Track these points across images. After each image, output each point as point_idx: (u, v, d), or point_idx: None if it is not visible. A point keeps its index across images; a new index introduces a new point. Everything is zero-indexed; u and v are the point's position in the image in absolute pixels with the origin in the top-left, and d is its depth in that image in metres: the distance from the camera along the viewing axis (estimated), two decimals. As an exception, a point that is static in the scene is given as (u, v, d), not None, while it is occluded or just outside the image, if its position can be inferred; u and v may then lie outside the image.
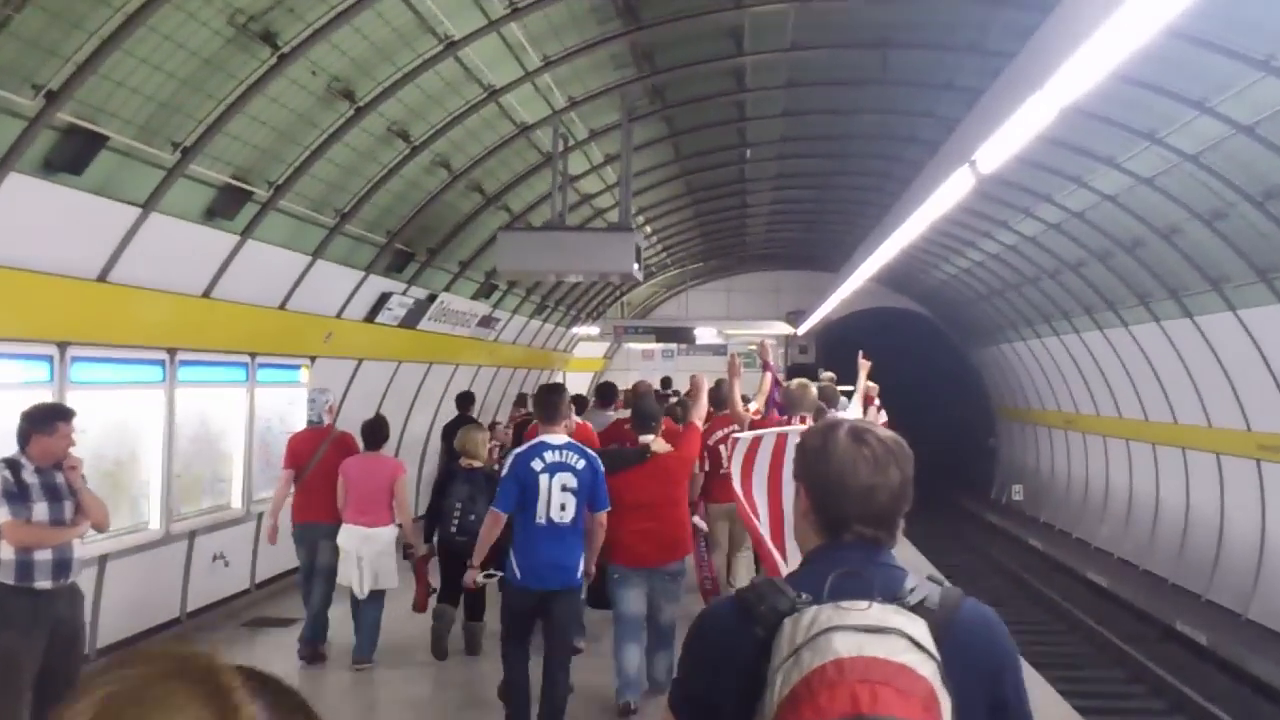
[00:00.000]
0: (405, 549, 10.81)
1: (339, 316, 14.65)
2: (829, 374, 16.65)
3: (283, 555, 14.38)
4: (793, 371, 34.70)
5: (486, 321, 20.90)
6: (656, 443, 9.23)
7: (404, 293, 16.12)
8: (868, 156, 21.59)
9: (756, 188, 24.69)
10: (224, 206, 10.73)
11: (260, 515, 13.61)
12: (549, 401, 8.50)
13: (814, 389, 9.86)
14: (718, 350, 35.56)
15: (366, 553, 10.39)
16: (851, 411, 11.05)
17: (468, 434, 11.10)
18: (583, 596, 8.88)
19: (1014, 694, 2.66)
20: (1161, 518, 23.40)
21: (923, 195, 11.50)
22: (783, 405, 10.21)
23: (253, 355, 12.89)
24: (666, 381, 25.02)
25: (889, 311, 37.62)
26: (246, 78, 9.49)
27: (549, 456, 8.00)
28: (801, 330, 34.17)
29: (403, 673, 11.00)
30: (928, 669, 2.34)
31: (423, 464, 20.47)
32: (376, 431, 10.96)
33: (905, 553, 18.10)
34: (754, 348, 36.39)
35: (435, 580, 10.96)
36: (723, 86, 16.40)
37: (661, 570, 8.94)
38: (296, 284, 13.00)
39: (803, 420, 8.97)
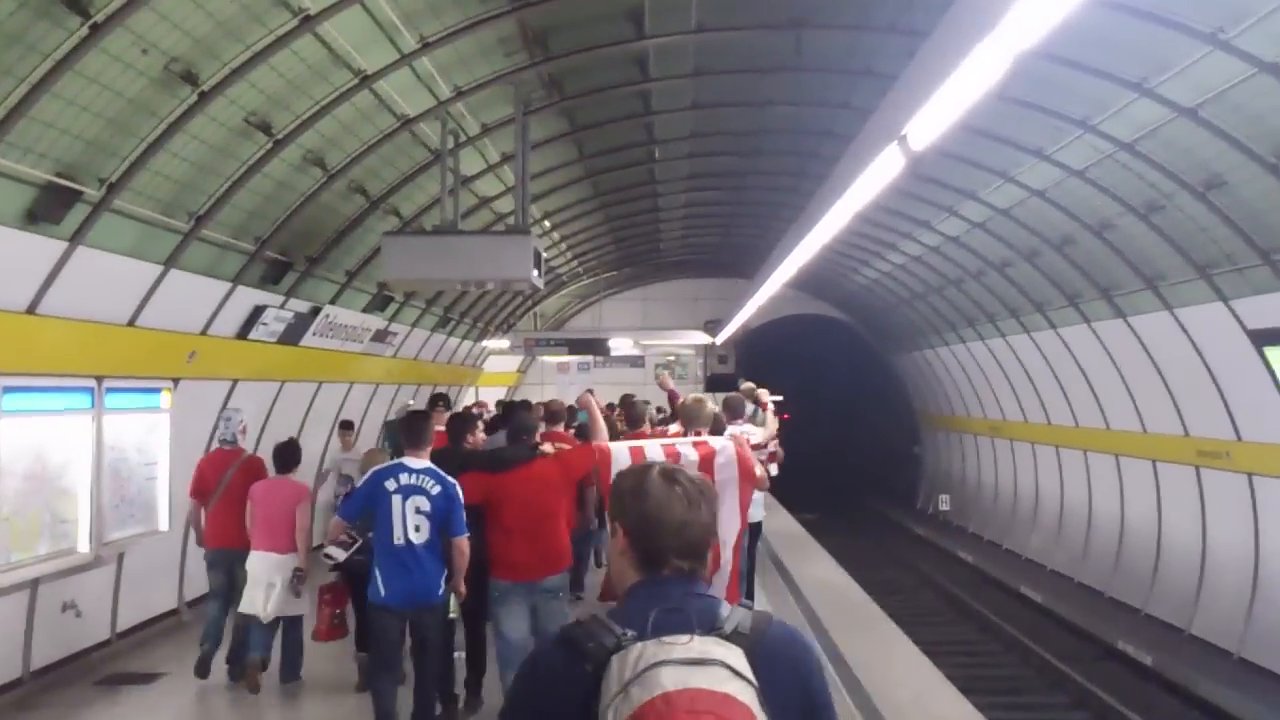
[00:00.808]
0: (295, 571, 10.28)
1: (204, 334, 13.14)
2: (748, 384, 16.19)
3: (149, 601, 13.37)
4: (711, 382, 33.99)
5: (381, 336, 19.52)
6: (544, 446, 8.91)
7: (281, 306, 14.69)
8: (782, 153, 20.45)
9: (668, 189, 23.47)
10: (47, 208, 9.23)
11: (121, 556, 12.55)
12: (414, 427, 8.64)
13: (710, 404, 9.58)
14: (635, 362, 35.03)
15: (279, 579, 10.14)
16: (758, 437, 11.28)
17: (370, 457, 10.68)
18: (451, 615, 8.80)
19: (821, 701, 2.83)
20: (1095, 528, 22.63)
21: (846, 182, 10.27)
22: (681, 421, 9.89)
23: (99, 379, 11.30)
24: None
25: (809, 318, 37.27)
26: (52, 52, 8.03)
27: (404, 479, 8.21)
28: (720, 339, 33.19)
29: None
30: (747, 695, 2.52)
31: (317, 488, 19.06)
32: (288, 455, 10.76)
33: (826, 569, 17.00)
34: (671, 358, 36.81)
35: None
36: (625, 75, 15.16)
37: (541, 585, 8.43)
38: (147, 297, 11.48)
39: (698, 433, 8.77)
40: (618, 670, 2.57)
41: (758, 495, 10.14)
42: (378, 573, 8.24)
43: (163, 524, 12.87)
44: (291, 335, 15.35)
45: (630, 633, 2.65)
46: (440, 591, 8.42)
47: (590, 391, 9.83)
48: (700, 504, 2.89)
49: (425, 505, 8.16)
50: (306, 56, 10.58)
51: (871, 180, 9.55)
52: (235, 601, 10.66)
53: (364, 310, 18.07)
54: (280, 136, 11.56)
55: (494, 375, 34.08)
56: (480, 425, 11.79)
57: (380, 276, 13.74)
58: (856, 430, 46.31)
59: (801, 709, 2.74)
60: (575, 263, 29.53)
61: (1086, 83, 12.92)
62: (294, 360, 15.95)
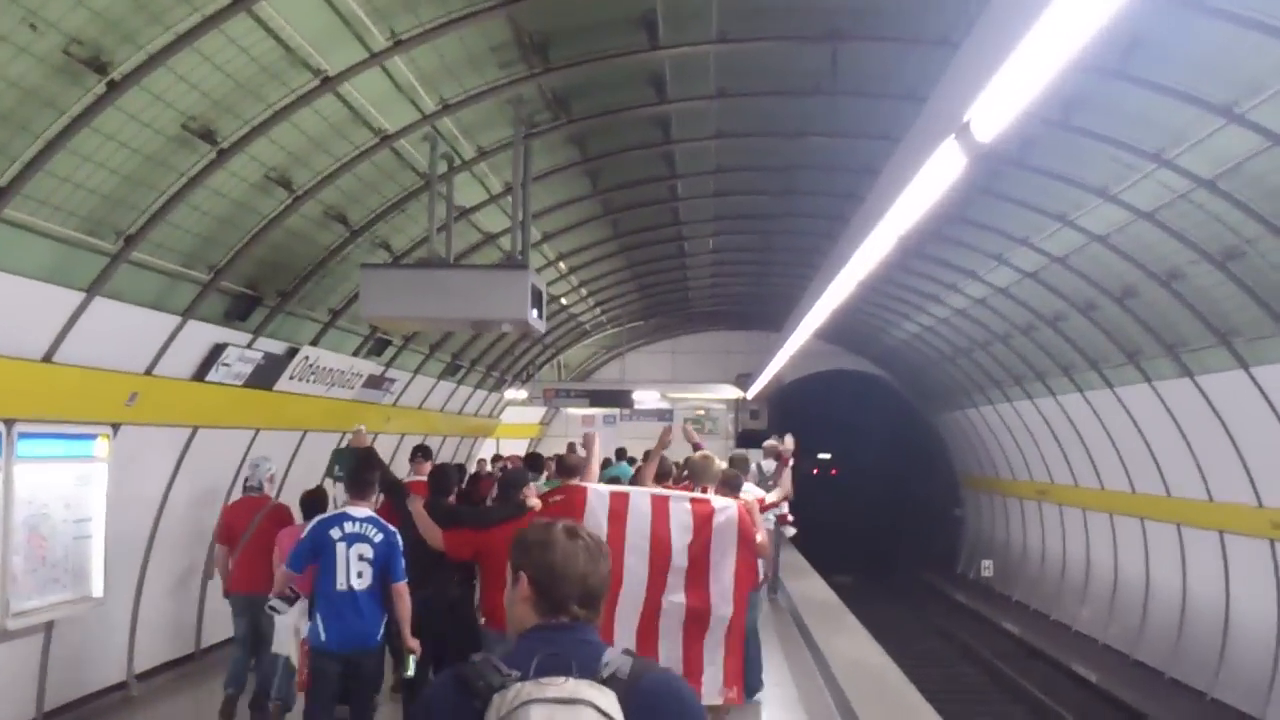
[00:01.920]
0: None
1: (149, 373, 11.52)
2: (770, 441, 17.71)
3: (86, 676, 11.88)
4: (742, 438, 32.61)
5: (377, 382, 17.92)
6: (531, 500, 9.33)
7: (249, 345, 13.08)
8: (818, 193, 18.71)
9: (694, 231, 21.80)
10: (-83, 218, 7.73)
11: (51, 625, 10.98)
12: (360, 480, 8.95)
13: (718, 462, 9.92)
14: (663, 415, 33.76)
15: (305, 624, 9.59)
16: (773, 496, 11.37)
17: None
18: (409, 674, 8.81)
19: None
20: (1154, 601, 20.92)
21: (890, 197, 8.67)
22: (689, 476, 10.16)
23: (8, 422, 9.73)
24: (621, 452, 22.99)
25: (845, 374, 36.23)
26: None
27: (348, 527, 8.55)
28: (751, 394, 31.64)
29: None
30: None
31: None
32: (316, 503, 10.75)
33: (860, 644, 15.39)
34: (701, 413, 35.37)
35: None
36: (639, 95, 13.45)
37: None
38: (66, 329, 9.79)
39: (704, 490, 9.07)
40: (496, 706, 2.86)
41: None
42: (319, 617, 8.54)
43: (96, 589, 11.25)
44: (262, 378, 13.75)
45: (515, 673, 2.92)
46: (378, 637, 8.75)
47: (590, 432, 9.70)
48: (599, 559, 3.19)
49: (369, 552, 8.49)
50: (249, 47, 8.92)
51: (923, 190, 7.85)
52: (261, 646, 10.83)
53: (355, 354, 16.49)
54: (226, 145, 9.86)
55: (514, 427, 32.71)
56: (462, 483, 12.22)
57: (360, 314, 12.08)
58: (894, 490, 44.70)
59: None
60: (598, 310, 27.97)
61: (1164, 109, 11.33)
62: (267, 406, 14.34)
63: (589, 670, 2.92)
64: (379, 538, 8.54)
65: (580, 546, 3.15)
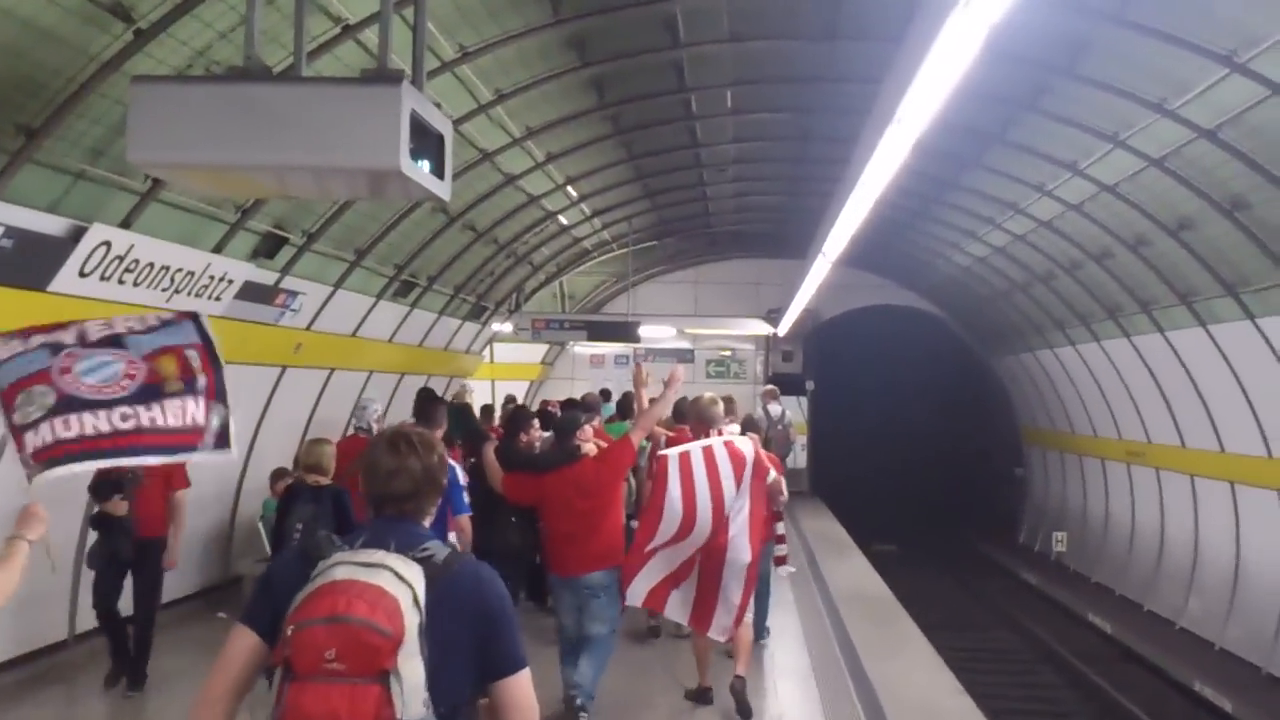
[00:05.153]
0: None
1: None
2: (771, 386, 19.31)
3: None
4: (773, 383, 28.28)
5: (265, 295, 13.12)
6: (586, 446, 9.24)
7: (-21, 220, 8.32)
8: (870, 39, 13.44)
9: (709, 106, 16.66)
10: None
11: None
12: (425, 411, 9.57)
13: (721, 404, 9.71)
14: (683, 356, 29.88)
15: None
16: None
17: (313, 447, 9.81)
18: None
19: (502, 631, 3.49)
20: (1294, 597, 16.38)
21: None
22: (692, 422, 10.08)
23: None
24: (606, 393, 19.47)
25: (893, 310, 31.91)
26: None
27: None
28: (784, 331, 27.53)
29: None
30: (400, 591, 3.24)
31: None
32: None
33: (929, 673, 11.14)
34: (725, 353, 31.14)
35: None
36: None
37: (583, 580, 8.78)
38: None
39: (719, 433, 9.26)
40: (319, 569, 3.32)
41: None
42: None
43: None
44: (23, 274, 8.93)
45: (343, 546, 3.42)
46: None
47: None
48: (409, 457, 3.59)
49: None
50: None
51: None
52: None
53: (218, 250, 11.73)
54: None
55: (508, 367, 29.28)
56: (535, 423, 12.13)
57: (127, 156, 7.08)
58: (945, 444, 40.27)
59: (478, 633, 3.43)
60: (597, 222, 23.24)
61: None
62: (43, 318, 9.57)
63: (405, 550, 3.38)
64: None
65: (394, 450, 3.59)
